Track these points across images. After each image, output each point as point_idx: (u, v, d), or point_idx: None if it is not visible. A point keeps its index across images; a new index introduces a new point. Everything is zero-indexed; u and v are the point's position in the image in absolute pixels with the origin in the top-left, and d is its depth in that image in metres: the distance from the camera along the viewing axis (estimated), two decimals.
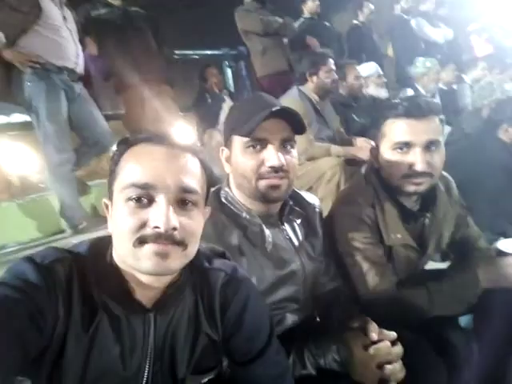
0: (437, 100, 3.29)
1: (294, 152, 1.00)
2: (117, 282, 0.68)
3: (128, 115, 2.84)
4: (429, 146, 1.08)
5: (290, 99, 2.37)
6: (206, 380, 0.79)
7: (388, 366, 0.87)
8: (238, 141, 0.99)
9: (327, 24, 3.89)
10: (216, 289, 0.78)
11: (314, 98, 2.40)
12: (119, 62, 2.64)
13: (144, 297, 0.69)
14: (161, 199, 0.64)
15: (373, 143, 1.24)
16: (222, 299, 0.79)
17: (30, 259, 0.64)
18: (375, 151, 1.22)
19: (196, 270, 0.78)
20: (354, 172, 2.38)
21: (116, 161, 0.69)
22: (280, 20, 3.50)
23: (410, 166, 1.09)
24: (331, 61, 2.41)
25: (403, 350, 0.90)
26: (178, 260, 0.66)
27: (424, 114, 1.07)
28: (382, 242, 1.18)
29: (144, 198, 0.64)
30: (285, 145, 0.97)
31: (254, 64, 3.61)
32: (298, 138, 1.03)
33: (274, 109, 0.92)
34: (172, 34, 2.87)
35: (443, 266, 1.40)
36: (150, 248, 0.63)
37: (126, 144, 0.70)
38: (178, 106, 3.05)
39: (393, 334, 0.91)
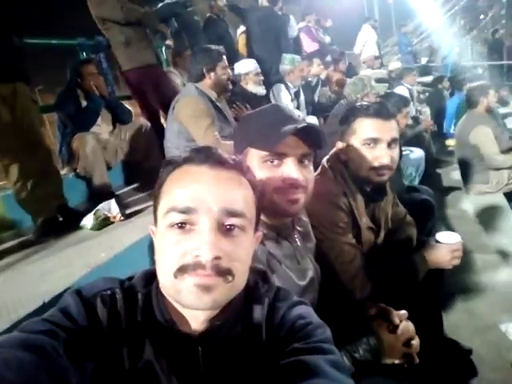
0: (301, 95, 3.66)
1: (311, 167, 1.00)
2: (161, 313, 0.64)
3: None
4: (391, 144, 1.26)
5: (189, 97, 2.26)
6: None
7: (413, 342, 1.00)
8: (255, 154, 0.94)
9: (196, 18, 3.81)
10: (279, 316, 0.72)
11: (213, 95, 2.36)
12: None
13: (190, 329, 0.65)
14: (203, 224, 0.59)
15: None
16: (288, 327, 0.72)
17: (77, 292, 0.63)
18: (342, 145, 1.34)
19: (250, 298, 0.71)
20: None
21: (160, 184, 0.66)
22: (141, 9, 3.24)
23: (377, 159, 1.26)
24: (225, 57, 2.40)
25: None
26: (224, 293, 0.60)
27: (390, 115, 1.25)
28: (353, 227, 1.32)
29: (186, 223, 0.59)
30: (303, 160, 0.96)
31: (117, 57, 3.21)
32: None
33: (299, 126, 0.90)
34: (19, 19, 2.29)
35: None
36: (191, 280, 0.57)
37: (170, 165, 0.65)
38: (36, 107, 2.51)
39: (405, 313, 1.04)
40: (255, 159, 0.95)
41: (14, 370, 0.47)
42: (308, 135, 0.94)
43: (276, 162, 0.93)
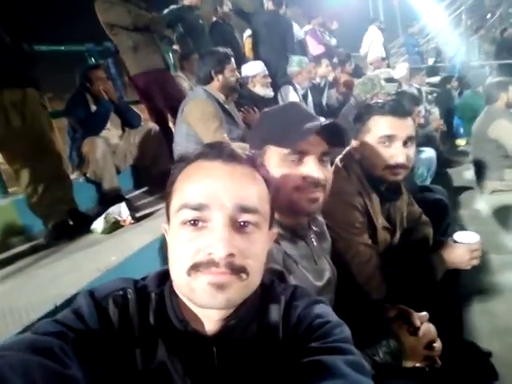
0: (309, 96, 3.64)
1: (329, 165, 0.99)
2: (175, 313, 0.63)
3: None
4: (407, 142, 1.23)
5: (198, 100, 2.26)
6: None
7: (435, 344, 0.96)
8: (275, 152, 0.92)
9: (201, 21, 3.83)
10: (296, 315, 0.70)
11: (221, 97, 2.35)
12: None
13: (204, 329, 0.63)
14: (216, 221, 0.58)
15: None
16: (305, 326, 0.69)
17: (89, 293, 0.62)
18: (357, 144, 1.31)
19: (266, 297, 0.70)
20: None
21: (172, 181, 0.65)
22: (149, 15, 3.26)
23: (392, 158, 1.22)
24: (233, 60, 2.39)
25: None
26: (239, 291, 0.59)
27: (405, 113, 1.22)
28: (369, 227, 1.29)
29: (199, 220, 0.58)
30: (323, 158, 0.94)
31: (125, 61, 3.24)
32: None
33: (324, 123, 0.88)
34: (29, 26, 2.32)
35: None
36: (204, 278, 0.56)
37: (183, 162, 0.64)
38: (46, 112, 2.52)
39: (426, 314, 1.00)
40: (275, 157, 0.93)
41: (19, 373, 0.47)
42: (331, 133, 0.92)
43: (296, 160, 0.92)
